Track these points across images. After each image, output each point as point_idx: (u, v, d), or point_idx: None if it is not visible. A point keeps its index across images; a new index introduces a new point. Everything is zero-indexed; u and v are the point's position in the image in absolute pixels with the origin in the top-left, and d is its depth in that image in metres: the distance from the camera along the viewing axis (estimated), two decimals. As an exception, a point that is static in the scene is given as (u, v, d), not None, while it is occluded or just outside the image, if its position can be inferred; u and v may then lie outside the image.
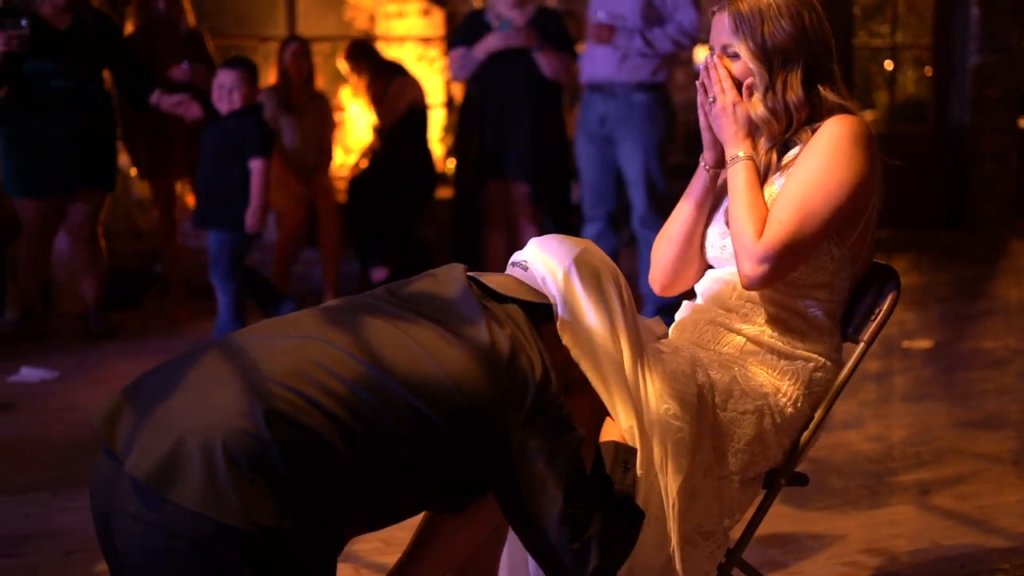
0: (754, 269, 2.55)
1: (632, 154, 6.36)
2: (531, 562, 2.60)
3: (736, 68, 2.66)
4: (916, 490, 4.16)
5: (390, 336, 2.23)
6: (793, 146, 2.66)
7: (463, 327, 2.26)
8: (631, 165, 6.38)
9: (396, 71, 7.71)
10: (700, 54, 8.30)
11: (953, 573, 3.49)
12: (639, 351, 2.44)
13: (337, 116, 8.18)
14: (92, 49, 6.22)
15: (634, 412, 2.40)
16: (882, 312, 2.68)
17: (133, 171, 7.29)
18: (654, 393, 2.43)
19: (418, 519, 2.56)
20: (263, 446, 2.05)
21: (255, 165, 6.00)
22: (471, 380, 2.20)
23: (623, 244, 6.88)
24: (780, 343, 2.64)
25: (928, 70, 10.40)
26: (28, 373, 5.64)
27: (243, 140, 6.01)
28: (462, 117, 7.18)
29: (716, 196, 2.77)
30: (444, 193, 8.07)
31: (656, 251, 2.84)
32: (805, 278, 2.63)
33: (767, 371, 2.63)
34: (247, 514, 2.02)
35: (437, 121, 9.04)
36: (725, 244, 2.70)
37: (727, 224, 2.68)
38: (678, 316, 2.81)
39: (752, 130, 2.65)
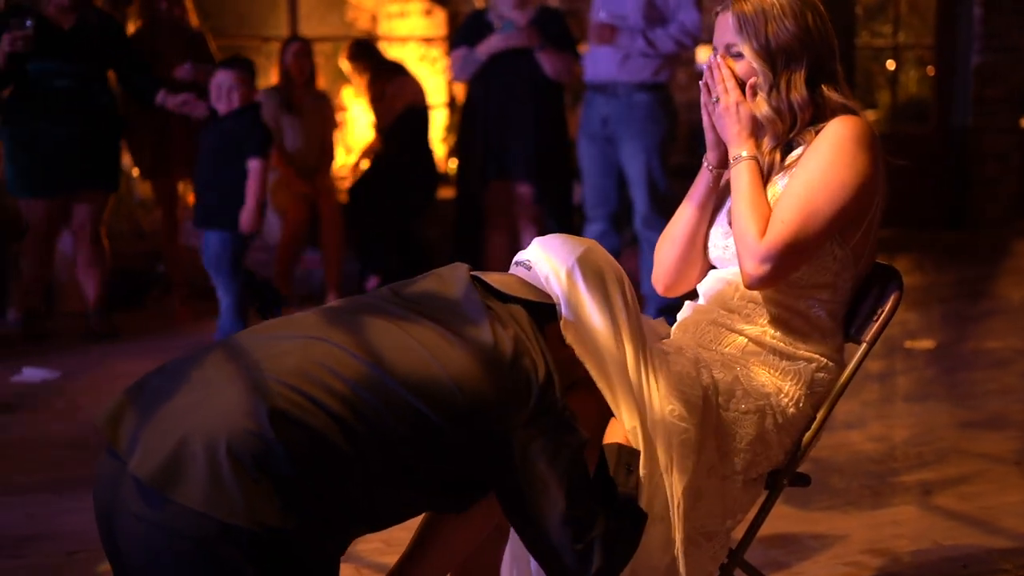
0: (756, 268, 2.55)
1: (634, 154, 6.36)
2: (533, 561, 2.59)
3: (740, 68, 2.66)
4: (918, 490, 4.16)
5: (393, 336, 2.23)
6: (797, 146, 2.66)
7: (466, 328, 2.26)
8: (633, 165, 6.37)
9: (397, 71, 7.71)
10: (702, 54, 8.31)
11: (955, 573, 3.49)
12: (643, 351, 2.44)
13: (339, 116, 8.18)
14: (96, 49, 6.23)
15: (638, 413, 2.40)
16: (884, 313, 2.68)
17: (135, 171, 7.30)
18: (658, 394, 2.43)
19: (419, 519, 2.56)
20: (267, 446, 2.05)
21: (253, 165, 6.00)
22: (473, 381, 2.20)
23: (625, 244, 6.88)
24: (782, 344, 2.64)
25: (930, 70, 10.40)
26: (30, 373, 5.65)
27: (242, 140, 6.01)
28: (464, 117, 7.18)
29: (719, 197, 2.77)
30: (446, 193, 8.07)
31: (659, 252, 2.84)
32: (808, 278, 2.62)
33: (769, 371, 2.63)
34: (251, 514, 2.02)
35: (439, 121, 9.04)
36: (728, 244, 2.70)
37: (730, 224, 2.68)
38: (680, 316, 2.81)
39: (755, 130, 2.65)
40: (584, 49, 6.81)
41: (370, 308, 2.32)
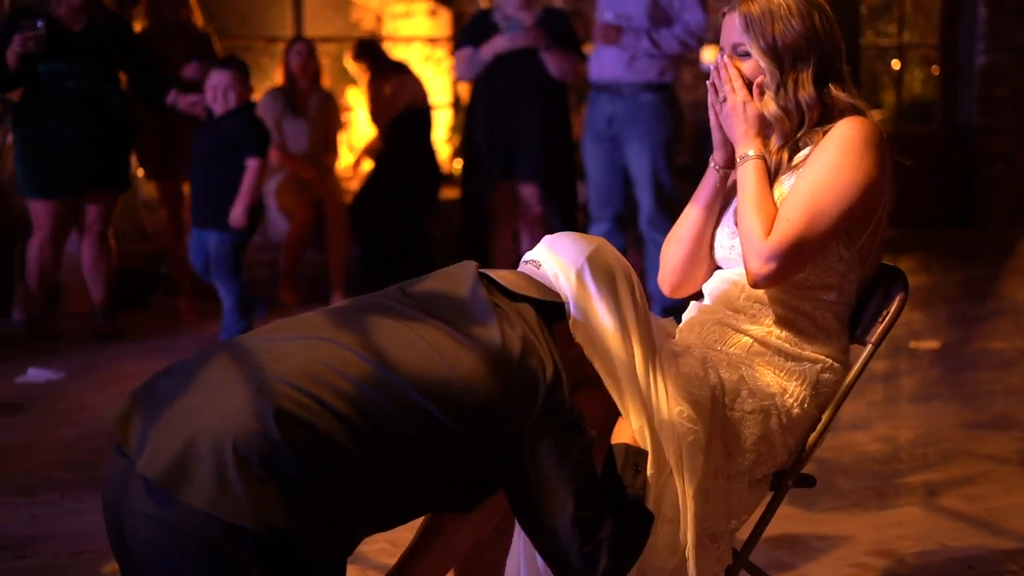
0: (761, 267, 2.55)
1: (639, 154, 6.36)
2: (541, 560, 2.59)
3: (747, 67, 2.66)
4: (923, 491, 4.15)
5: (400, 337, 2.22)
6: (804, 147, 2.66)
7: (474, 327, 2.26)
8: (638, 165, 6.37)
9: (398, 70, 7.71)
10: (708, 54, 8.30)
11: (961, 575, 3.48)
12: (651, 352, 2.44)
13: (344, 117, 8.19)
14: (107, 50, 6.24)
15: (645, 413, 2.40)
16: (890, 314, 2.68)
17: (140, 172, 7.30)
18: (667, 395, 2.43)
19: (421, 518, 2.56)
20: (274, 447, 2.05)
21: (251, 164, 6.03)
22: (481, 381, 2.20)
23: (630, 244, 6.88)
24: (787, 344, 2.63)
25: (935, 69, 10.39)
26: (35, 374, 5.65)
27: (239, 140, 6.04)
28: (469, 118, 7.18)
29: (725, 197, 2.77)
30: (451, 194, 8.07)
31: (665, 253, 2.84)
32: (813, 279, 2.62)
33: (774, 372, 2.63)
34: (257, 514, 2.02)
35: (444, 121, 9.04)
36: (734, 245, 2.70)
37: (736, 224, 2.67)
38: (685, 316, 2.81)
39: (762, 129, 2.65)
40: (589, 49, 6.81)
41: (377, 308, 2.32)
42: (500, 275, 2.41)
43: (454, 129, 8.93)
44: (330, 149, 7.53)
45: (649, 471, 2.39)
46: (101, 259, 6.40)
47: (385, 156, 7.66)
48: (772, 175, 2.65)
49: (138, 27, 7.12)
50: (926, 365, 5.99)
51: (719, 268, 2.79)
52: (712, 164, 2.75)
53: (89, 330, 6.50)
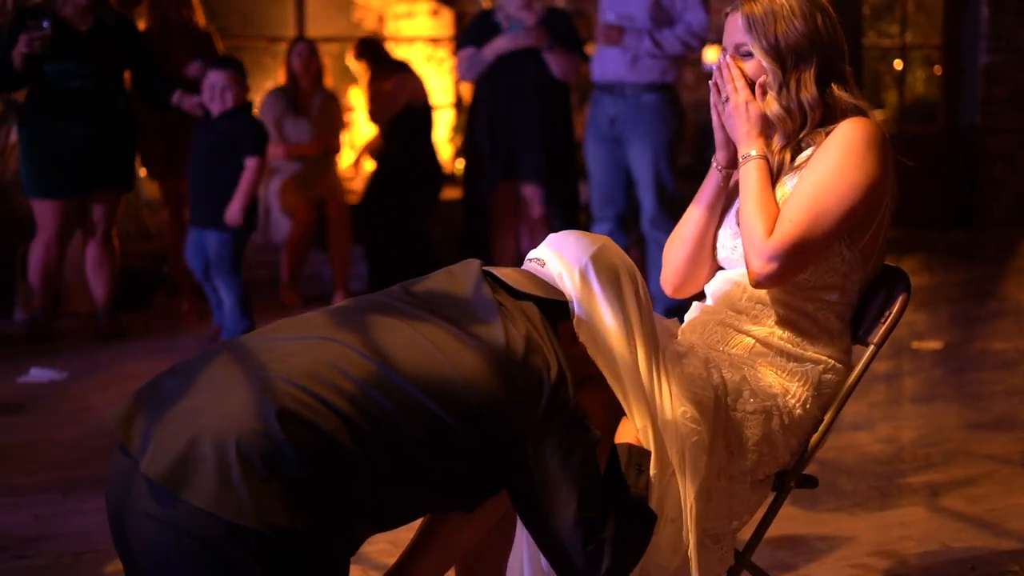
0: (763, 267, 2.54)
1: (641, 155, 6.35)
2: (544, 559, 2.59)
3: (749, 67, 2.66)
4: (926, 492, 4.15)
5: (403, 336, 2.22)
6: (807, 147, 2.65)
7: (478, 326, 2.25)
8: (640, 166, 6.37)
9: (398, 68, 7.71)
10: (710, 54, 8.30)
11: (963, 575, 3.48)
12: (655, 352, 2.44)
13: (346, 116, 8.19)
14: (113, 50, 6.24)
15: (648, 413, 2.40)
16: (892, 315, 2.67)
17: (143, 171, 7.31)
18: (670, 395, 2.43)
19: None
20: (276, 446, 2.05)
21: (250, 163, 6.04)
22: (485, 380, 2.20)
23: (632, 245, 6.88)
24: (789, 345, 2.63)
25: (937, 70, 10.38)
26: (37, 374, 5.65)
27: (238, 139, 6.05)
28: (471, 118, 7.18)
29: (728, 197, 2.77)
30: (454, 194, 8.07)
31: (668, 253, 2.84)
32: (816, 280, 2.62)
33: (776, 372, 2.63)
34: (260, 514, 2.02)
35: (446, 122, 9.04)
36: (736, 245, 2.70)
37: (738, 224, 2.67)
38: (688, 317, 2.81)
39: (765, 129, 2.65)
40: (591, 50, 6.81)
41: (380, 307, 2.32)
42: (504, 273, 2.40)
43: (456, 129, 8.93)
44: (332, 149, 7.53)
45: (652, 471, 2.38)
46: (105, 259, 6.41)
47: (386, 155, 7.66)
48: (774, 175, 2.65)
49: (141, 26, 7.12)
50: (928, 365, 5.99)
51: (721, 268, 2.79)
52: (714, 164, 2.75)
53: (91, 330, 6.51)
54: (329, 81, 7.63)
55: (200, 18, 7.05)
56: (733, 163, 2.72)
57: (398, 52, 8.60)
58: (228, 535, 2.02)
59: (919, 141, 9.87)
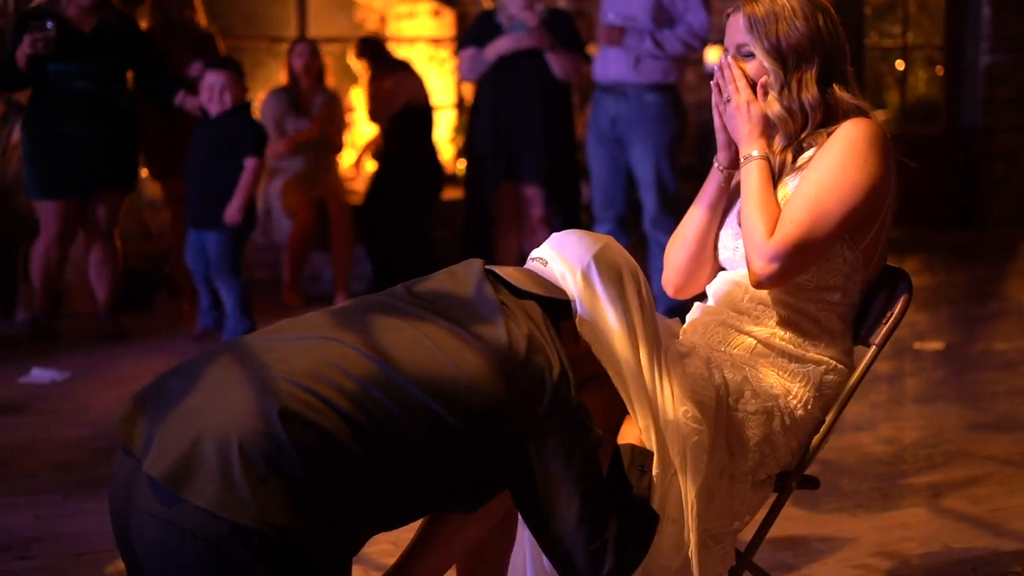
0: (764, 268, 2.54)
1: (643, 155, 6.35)
2: (546, 560, 2.59)
3: (751, 68, 2.65)
4: (928, 493, 4.15)
5: (405, 336, 2.22)
6: (808, 148, 2.65)
7: (480, 326, 2.25)
8: (642, 166, 6.37)
9: (398, 67, 7.71)
10: (711, 54, 8.30)
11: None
12: (657, 351, 2.44)
13: (348, 117, 8.19)
14: (116, 51, 6.24)
15: (651, 412, 2.40)
16: (894, 316, 2.67)
17: (144, 172, 7.31)
18: (672, 395, 2.43)
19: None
20: (279, 446, 2.05)
21: (248, 163, 6.05)
22: (487, 380, 2.19)
23: (633, 245, 6.88)
24: (791, 346, 2.63)
25: (939, 70, 10.38)
26: (39, 374, 5.65)
27: (237, 140, 6.06)
28: (472, 118, 7.18)
29: (729, 198, 2.77)
30: (455, 194, 8.06)
31: (669, 254, 2.84)
32: (817, 281, 2.62)
33: (778, 373, 2.62)
34: (262, 514, 2.02)
35: (448, 122, 9.04)
36: (737, 246, 2.70)
37: (740, 225, 2.67)
38: (689, 317, 2.81)
39: (766, 129, 2.65)
40: (593, 50, 6.81)
41: (382, 307, 2.32)
42: (506, 272, 2.40)
43: (458, 130, 8.92)
44: (334, 148, 7.53)
45: (654, 471, 2.38)
46: (107, 260, 6.41)
47: (386, 155, 7.66)
48: (776, 176, 2.65)
49: (142, 26, 7.13)
50: (930, 366, 5.99)
51: (723, 269, 2.79)
52: (716, 165, 2.75)
53: (93, 330, 6.50)
54: (331, 81, 7.63)
55: (202, 18, 7.05)
56: (735, 164, 2.71)
57: (400, 52, 8.59)
58: (230, 535, 2.02)
59: (921, 141, 9.87)
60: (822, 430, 2.65)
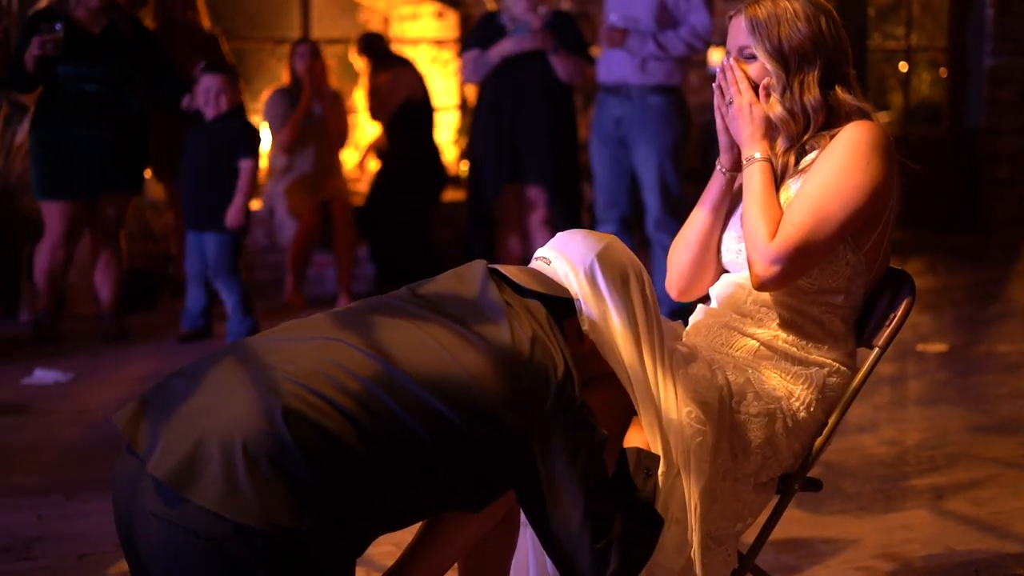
0: (765, 270, 2.54)
1: (647, 157, 6.35)
2: (550, 562, 2.59)
3: (753, 70, 2.65)
4: (930, 495, 4.14)
5: (409, 336, 2.23)
6: (811, 151, 2.65)
7: (484, 326, 2.26)
8: (646, 168, 6.37)
9: (397, 63, 7.70)
10: (714, 56, 8.30)
11: (968, 578, 3.48)
12: (660, 352, 2.44)
13: (350, 118, 8.19)
14: (125, 53, 6.24)
15: (654, 413, 2.40)
16: (897, 318, 2.67)
17: (148, 173, 7.32)
18: (675, 396, 2.43)
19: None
20: (282, 446, 2.05)
21: (245, 165, 6.08)
22: (491, 379, 2.20)
23: (637, 247, 6.88)
24: (793, 348, 2.63)
25: (943, 72, 10.38)
26: (42, 375, 5.65)
27: (233, 142, 6.08)
28: (476, 120, 7.18)
29: (732, 200, 2.77)
30: (459, 196, 8.06)
31: (672, 256, 2.84)
32: (820, 283, 2.62)
33: (780, 375, 2.62)
34: (265, 514, 2.02)
35: (451, 124, 9.04)
36: (740, 248, 2.70)
37: (742, 227, 2.67)
38: (692, 319, 2.81)
39: (769, 131, 2.65)
40: (597, 52, 6.81)
41: (387, 308, 2.32)
42: (510, 271, 2.41)
43: (461, 131, 8.93)
44: (338, 146, 7.53)
45: (659, 471, 2.38)
46: (112, 261, 6.42)
47: (388, 154, 7.66)
48: (778, 178, 2.65)
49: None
50: (933, 368, 5.98)
51: (726, 271, 2.79)
52: (719, 167, 2.75)
53: (96, 331, 6.51)
54: (334, 82, 7.63)
55: (205, 20, 7.06)
56: (737, 166, 2.71)
57: (403, 54, 8.60)
58: (234, 535, 2.02)
59: (924, 143, 9.87)
60: (825, 432, 2.64)
